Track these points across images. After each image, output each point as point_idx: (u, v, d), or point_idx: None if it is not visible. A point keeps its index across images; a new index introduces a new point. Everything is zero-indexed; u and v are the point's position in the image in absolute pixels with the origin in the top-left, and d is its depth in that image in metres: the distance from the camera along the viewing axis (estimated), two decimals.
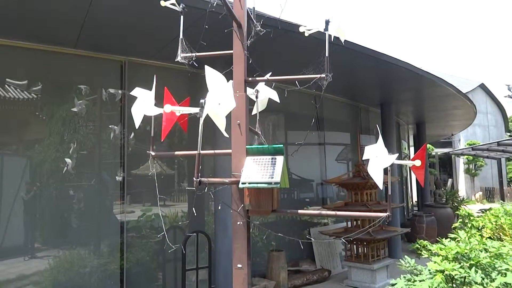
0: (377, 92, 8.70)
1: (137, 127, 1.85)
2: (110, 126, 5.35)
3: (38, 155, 4.93)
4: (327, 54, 2.08)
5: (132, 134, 5.39)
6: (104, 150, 5.46)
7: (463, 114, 11.63)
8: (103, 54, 5.20)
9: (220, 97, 1.48)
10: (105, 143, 5.40)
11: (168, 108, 1.59)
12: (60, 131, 5.06)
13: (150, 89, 1.89)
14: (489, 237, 4.54)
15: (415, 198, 16.39)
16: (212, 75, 1.51)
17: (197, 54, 2.13)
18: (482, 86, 26.47)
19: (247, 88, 2.17)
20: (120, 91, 5.37)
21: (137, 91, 1.89)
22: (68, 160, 4.96)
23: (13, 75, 4.76)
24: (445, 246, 2.97)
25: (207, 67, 1.50)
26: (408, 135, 15.61)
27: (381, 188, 2.07)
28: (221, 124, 1.54)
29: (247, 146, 1.96)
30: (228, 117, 1.76)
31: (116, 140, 5.34)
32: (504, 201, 19.18)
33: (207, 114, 1.48)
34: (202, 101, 1.42)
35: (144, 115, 1.82)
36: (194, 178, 1.43)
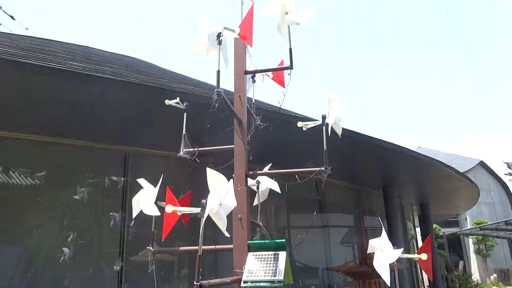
0: (377, 175, 8.76)
1: (133, 217, 1.87)
2: (111, 213, 5.31)
3: (36, 243, 4.82)
4: (325, 148, 2.15)
5: (133, 222, 5.32)
6: (103, 238, 5.34)
7: (466, 194, 11.55)
8: (107, 144, 5.35)
9: (221, 198, 1.50)
10: (105, 231, 5.31)
11: (169, 208, 1.60)
12: (60, 218, 5.01)
13: (153, 178, 1.92)
14: None
15: (426, 283, 15.53)
16: (213, 176, 1.54)
17: (199, 149, 2.20)
18: (482, 164, 26.65)
19: (248, 179, 2.20)
20: (122, 179, 5.43)
21: (142, 181, 1.93)
22: (65, 250, 4.84)
23: (18, 164, 4.86)
24: None
25: (208, 169, 1.55)
26: (413, 216, 15.32)
27: (388, 284, 2.00)
28: (222, 225, 1.54)
29: (248, 242, 1.93)
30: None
31: (116, 227, 5.26)
32: None
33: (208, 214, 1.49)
34: (203, 201, 1.44)
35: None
36: (194, 282, 1.38)
